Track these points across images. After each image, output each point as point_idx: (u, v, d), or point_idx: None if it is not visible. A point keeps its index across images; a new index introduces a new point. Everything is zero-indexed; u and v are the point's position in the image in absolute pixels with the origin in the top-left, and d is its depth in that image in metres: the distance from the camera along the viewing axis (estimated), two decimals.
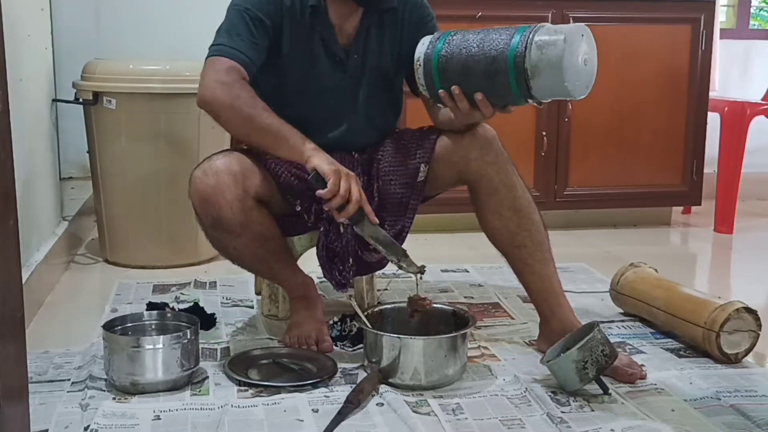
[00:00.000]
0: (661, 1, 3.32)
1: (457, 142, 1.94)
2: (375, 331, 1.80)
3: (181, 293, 2.42)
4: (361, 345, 1.91)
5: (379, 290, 2.37)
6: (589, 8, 3.25)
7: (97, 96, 2.67)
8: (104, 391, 1.72)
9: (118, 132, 2.68)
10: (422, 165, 1.95)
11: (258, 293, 2.29)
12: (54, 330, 2.15)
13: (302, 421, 1.60)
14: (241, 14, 1.87)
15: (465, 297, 2.45)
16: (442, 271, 2.72)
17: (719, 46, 3.78)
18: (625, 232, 3.42)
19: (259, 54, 1.88)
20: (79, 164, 3.44)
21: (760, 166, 3.99)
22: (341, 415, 1.60)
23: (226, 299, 2.38)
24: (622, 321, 2.23)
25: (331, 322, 2.05)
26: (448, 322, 1.90)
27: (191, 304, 2.22)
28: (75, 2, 3.48)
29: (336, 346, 1.98)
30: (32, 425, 1.42)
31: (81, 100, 2.72)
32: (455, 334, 1.79)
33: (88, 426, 1.56)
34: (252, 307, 2.31)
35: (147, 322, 1.88)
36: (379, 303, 2.13)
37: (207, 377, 1.81)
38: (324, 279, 1.98)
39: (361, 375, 1.81)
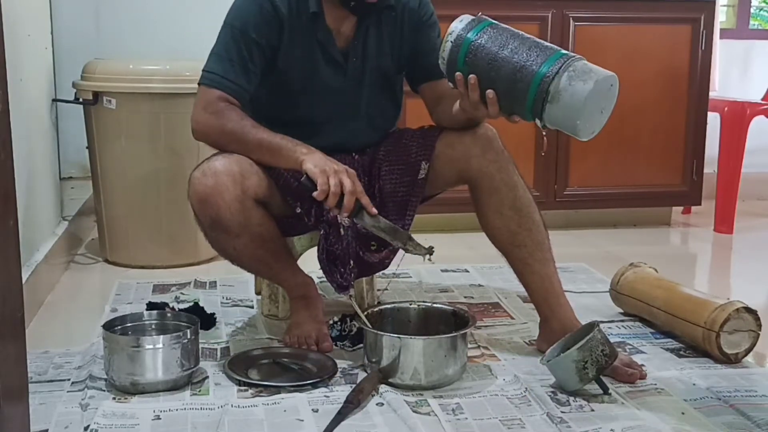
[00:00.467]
0: (661, 1, 3.32)
1: (459, 140, 1.94)
2: (375, 331, 1.80)
3: (181, 293, 2.42)
4: (361, 345, 1.91)
5: (379, 290, 2.37)
6: (589, 8, 3.25)
7: (97, 96, 2.67)
8: (104, 391, 1.72)
9: (118, 132, 2.68)
10: (423, 162, 1.95)
11: (258, 293, 2.29)
12: (54, 330, 2.15)
13: (302, 421, 1.60)
14: (234, 36, 1.88)
15: (465, 297, 2.45)
16: (442, 271, 2.72)
17: (719, 46, 3.78)
18: (625, 232, 3.42)
19: (253, 77, 1.89)
20: (79, 164, 3.44)
21: (760, 166, 3.99)
22: (341, 415, 1.60)
23: (226, 299, 2.38)
24: (622, 321, 2.23)
25: (331, 322, 2.05)
26: (448, 322, 1.90)
27: (191, 304, 2.22)
28: (75, 2, 3.48)
29: (336, 346, 1.98)
30: (32, 425, 1.42)
31: (81, 100, 2.71)
32: (455, 334, 1.79)
33: (88, 426, 1.56)
34: (252, 307, 2.31)
35: (147, 322, 1.88)
36: (379, 303, 2.13)
37: (207, 377, 1.81)
38: (324, 279, 1.97)
39: (361, 375, 1.81)
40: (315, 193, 1.74)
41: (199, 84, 1.89)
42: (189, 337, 1.75)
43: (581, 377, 1.71)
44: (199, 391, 1.75)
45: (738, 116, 3.44)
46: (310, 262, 2.07)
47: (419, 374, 1.74)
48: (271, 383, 1.76)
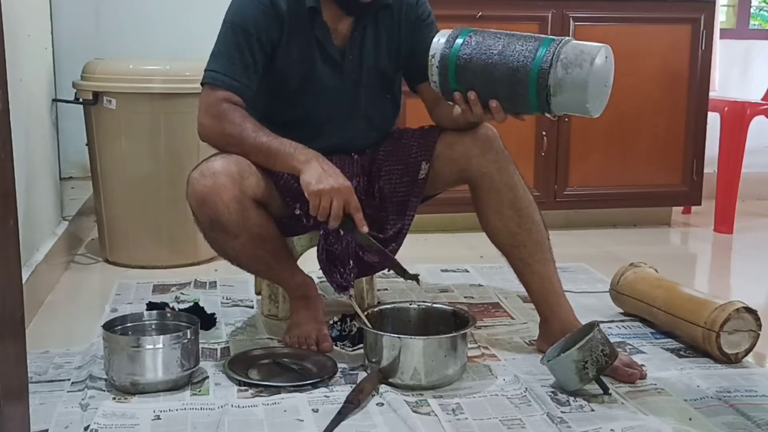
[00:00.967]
0: (661, 1, 3.32)
1: (459, 140, 1.94)
2: (375, 331, 1.80)
3: (181, 293, 2.42)
4: (361, 345, 1.91)
5: (379, 290, 2.37)
6: (589, 8, 3.25)
7: (97, 96, 2.66)
8: (104, 391, 1.72)
9: (118, 132, 2.68)
10: (423, 163, 1.95)
11: (258, 293, 2.29)
12: (54, 330, 2.15)
13: (302, 421, 1.60)
14: (234, 33, 1.88)
15: (465, 297, 2.45)
16: (442, 271, 2.72)
17: (719, 46, 3.77)
18: (625, 232, 3.42)
19: (255, 73, 1.90)
20: (79, 164, 3.44)
21: (760, 166, 3.99)
22: (341, 415, 1.60)
23: (226, 299, 2.38)
24: (622, 321, 2.23)
25: (331, 322, 2.05)
26: (448, 322, 1.89)
27: (191, 304, 2.22)
28: (75, 2, 3.48)
29: (336, 346, 1.98)
30: (32, 425, 1.42)
31: (81, 100, 2.71)
32: (455, 334, 1.79)
33: (88, 426, 1.56)
34: (252, 307, 2.31)
35: (147, 322, 1.88)
36: (379, 303, 2.13)
37: (207, 377, 1.81)
38: (324, 279, 1.97)
39: (361, 375, 1.81)
40: (309, 211, 1.78)
41: (202, 84, 1.89)
42: (189, 337, 1.75)
43: (581, 377, 1.71)
44: (199, 391, 1.75)
45: (738, 116, 3.44)
46: (310, 262, 2.07)
47: (419, 374, 1.74)
48: (271, 383, 1.76)
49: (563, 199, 3.33)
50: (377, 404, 1.68)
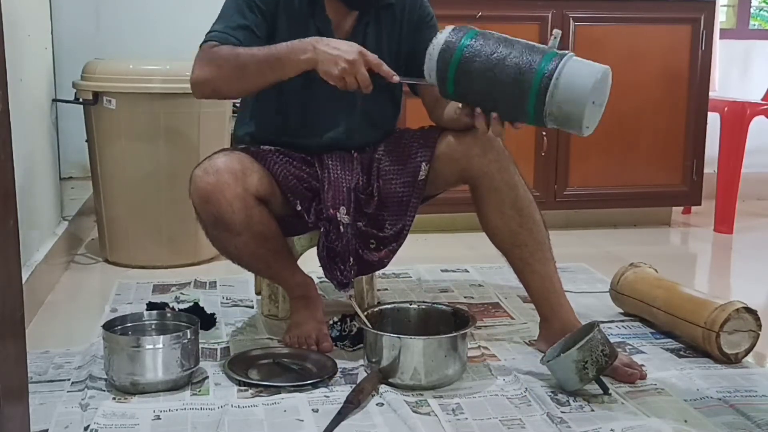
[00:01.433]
0: (661, 1, 3.32)
1: (459, 140, 1.94)
2: (375, 331, 1.80)
3: (181, 293, 2.42)
4: (361, 345, 1.91)
5: (379, 290, 2.37)
6: (589, 8, 3.25)
7: (97, 96, 2.67)
8: (104, 391, 1.72)
9: (118, 132, 2.68)
10: (423, 163, 1.95)
11: (258, 293, 2.29)
12: (54, 330, 2.15)
13: (302, 421, 1.60)
14: (237, 3, 1.89)
15: (465, 297, 2.45)
16: (442, 271, 2.72)
17: (719, 46, 3.78)
18: (625, 232, 3.42)
19: (251, 34, 1.88)
20: (79, 164, 3.45)
21: (760, 166, 3.99)
22: (341, 415, 1.60)
23: (226, 299, 2.38)
24: (622, 321, 2.23)
25: (331, 322, 2.05)
26: (448, 322, 1.90)
27: (191, 304, 2.22)
28: (75, 2, 3.49)
29: (336, 346, 1.98)
30: (32, 425, 1.42)
31: (81, 100, 2.72)
32: (455, 334, 1.79)
33: (88, 426, 1.56)
34: (252, 307, 2.31)
35: (147, 322, 1.88)
36: (379, 303, 2.13)
37: (207, 377, 1.81)
38: (324, 279, 1.98)
39: (361, 375, 1.81)
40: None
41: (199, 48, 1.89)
42: (189, 337, 1.75)
43: (581, 377, 1.71)
44: (199, 391, 1.75)
45: (738, 116, 3.44)
46: (310, 262, 2.07)
47: (419, 374, 1.74)
48: (271, 383, 1.76)
49: (563, 199, 3.33)
50: (377, 404, 1.68)
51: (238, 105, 2.99)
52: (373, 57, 1.78)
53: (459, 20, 2.84)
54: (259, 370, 1.84)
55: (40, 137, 2.58)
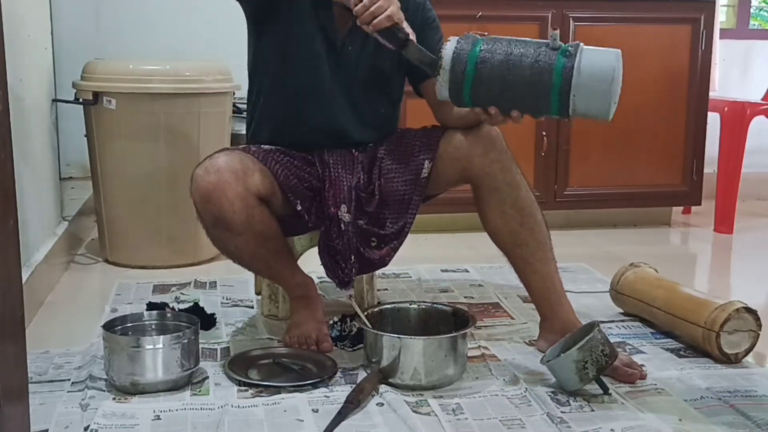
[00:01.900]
0: (661, 1, 3.32)
1: (462, 140, 1.94)
2: (375, 331, 1.80)
3: (181, 293, 2.42)
4: (361, 345, 1.91)
5: (379, 290, 2.37)
6: (589, 8, 3.25)
7: (97, 96, 2.66)
8: (104, 391, 1.72)
9: (118, 132, 2.68)
10: (426, 161, 1.95)
11: (258, 293, 2.29)
12: (54, 330, 2.15)
13: (302, 421, 1.60)
14: None
15: (465, 297, 2.45)
16: (442, 271, 2.72)
17: (719, 46, 3.78)
18: (625, 232, 3.42)
19: None
20: (79, 164, 3.45)
21: (760, 166, 3.99)
22: (341, 415, 1.60)
23: (226, 299, 2.38)
24: (622, 321, 2.23)
25: (331, 322, 2.05)
26: (448, 322, 1.90)
27: (191, 304, 2.22)
28: (75, 2, 3.49)
29: (336, 346, 1.98)
30: (32, 425, 1.42)
31: (81, 100, 2.71)
32: (455, 334, 1.79)
33: (88, 426, 1.56)
34: (252, 307, 2.31)
35: (147, 322, 1.88)
36: (379, 303, 2.13)
37: (207, 377, 1.81)
38: (324, 279, 1.98)
39: (361, 375, 1.81)
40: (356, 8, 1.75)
41: None
42: (189, 337, 1.75)
43: (581, 377, 1.71)
44: (199, 391, 1.75)
45: (738, 116, 3.44)
46: (310, 262, 2.07)
47: (419, 374, 1.74)
48: (271, 383, 1.76)
49: (563, 199, 3.33)
50: (377, 404, 1.68)
51: (239, 105, 3.01)
52: (395, 9, 1.75)
53: (459, 20, 2.86)
54: (259, 370, 1.84)
55: (40, 137, 2.58)
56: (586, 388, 1.73)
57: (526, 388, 1.76)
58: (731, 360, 1.92)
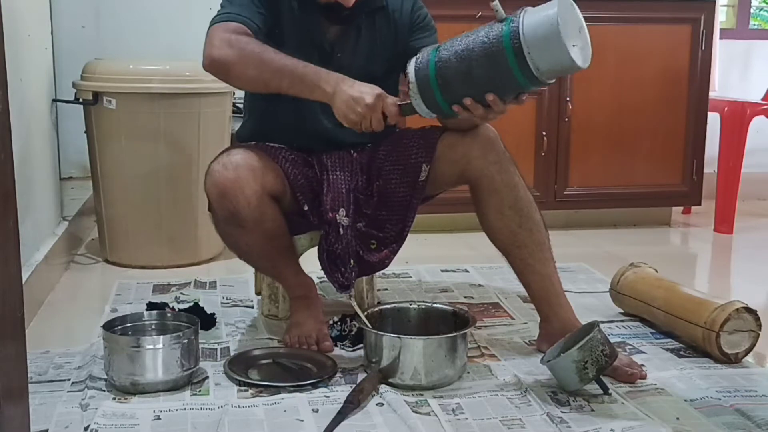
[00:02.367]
0: (661, 1, 3.32)
1: (459, 141, 1.94)
2: (375, 331, 1.80)
3: (181, 293, 2.42)
4: (361, 345, 1.91)
5: (379, 290, 2.37)
6: (589, 8, 3.20)
7: (97, 96, 2.67)
8: (104, 391, 1.72)
9: (118, 132, 2.68)
10: (424, 164, 1.95)
11: (258, 293, 2.29)
12: (54, 330, 2.15)
13: (302, 421, 1.60)
14: None
15: (465, 297, 2.45)
16: (442, 271, 2.72)
17: (719, 46, 3.78)
18: (625, 232, 3.42)
19: (264, 22, 1.87)
20: (79, 164, 3.45)
21: (760, 166, 3.99)
22: (341, 415, 1.60)
23: (226, 299, 2.38)
24: (622, 321, 2.23)
25: (331, 322, 2.05)
26: (448, 322, 1.90)
27: (191, 304, 2.22)
28: (75, 2, 3.49)
29: (336, 346, 1.98)
30: (32, 425, 1.42)
31: (81, 100, 2.72)
32: (455, 334, 1.79)
33: (88, 426, 1.56)
34: (252, 307, 2.31)
35: (147, 322, 1.88)
36: (379, 303, 2.13)
37: (207, 377, 1.81)
38: (324, 279, 1.97)
39: (361, 375, 1.81)
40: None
41: (210, 25, 1.84)
42: (189, 337, 1.75)
43: (581, 377, 1.71)
44: (199, 391, 1.75)
45: (738, 116, 3.44)
46: (310, 263, 2.07)
47: (419, 374, 1.74)
48: (271, 383, 1.76)
49: (563, 199, 3.33)
50: (377, 404, 1.68)
51: (239, 105, 3.01)
52: (388, 104, 1.77)
53: (459, 20, 2.86)
54: (259, 370, 1.84)
55: (40, 137, 2.58)
56: (586, 388, 1.73)
57: (526, 388, 1.76)
58: (731, 360, 1.92)
